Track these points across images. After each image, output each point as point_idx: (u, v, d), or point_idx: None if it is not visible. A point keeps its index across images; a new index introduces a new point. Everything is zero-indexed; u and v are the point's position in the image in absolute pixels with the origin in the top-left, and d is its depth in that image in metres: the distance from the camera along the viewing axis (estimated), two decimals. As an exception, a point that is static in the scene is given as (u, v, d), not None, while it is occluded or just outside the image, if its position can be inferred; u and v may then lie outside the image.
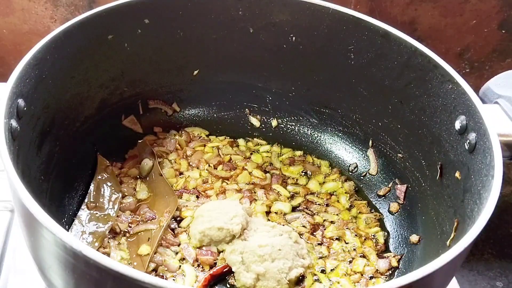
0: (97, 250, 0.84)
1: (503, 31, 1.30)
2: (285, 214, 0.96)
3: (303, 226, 0.94)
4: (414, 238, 0.91)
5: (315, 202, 0.99)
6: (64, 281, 0.61)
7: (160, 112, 1.08)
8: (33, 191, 0.61)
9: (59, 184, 0.88)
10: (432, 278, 0.57)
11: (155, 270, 0.85)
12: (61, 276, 0.61)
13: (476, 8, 1.25)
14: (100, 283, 0.56)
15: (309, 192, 1.01)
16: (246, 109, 1.12)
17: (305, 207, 0.98)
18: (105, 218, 0.90)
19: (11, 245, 0.88)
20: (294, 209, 0.97)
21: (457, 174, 0.80)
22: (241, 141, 1.10)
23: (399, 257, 0.90)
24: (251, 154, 1.07)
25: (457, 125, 0.81)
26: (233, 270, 0.85)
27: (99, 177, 0.95)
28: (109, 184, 0.95)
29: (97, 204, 0.91)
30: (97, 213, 0.90)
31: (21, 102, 0.73)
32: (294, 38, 1.01)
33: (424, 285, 0.57)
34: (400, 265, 0.90)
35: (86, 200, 0.92)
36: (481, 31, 1.29)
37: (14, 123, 0.70)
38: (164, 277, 0.84)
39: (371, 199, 1.00)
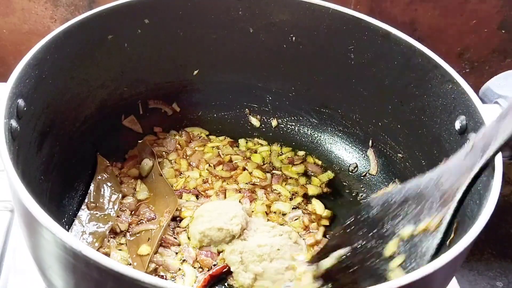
0: (97, 250, 0.84)
1: (503, 31, 1.30)
2: (284, 214, 0.96)
3: (304, 225, 0.94)
4: (414, 238, 0.91)
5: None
6: (64, 282, 0.61)
7: (160, 112, 1.08)
8: (33, 191, 0.61)
9: (59, 184, 0.88)
10: (432, 278, 0.57)
11: (155, 270, 0.85)
12: (61, 276, 0.61)
13: (476, 8, 1.25)
14: (100, 283, 0.56)
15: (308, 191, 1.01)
16: (246, 109, 1.12)
17: (305, 207, 0.98)
18: (105, 218, 0.90)
19: (11, 245, 0.88)
20: (294, 209, 0.97)
21: (457, 174, 0.80)
22: (241, 141, 1.09)
23: None
24: (251, 154, 1.07)
25: (457, 125, 0.81)
26: (231, 270, 0.85)
27: (99, 177, 0.95)
28: (109, 184, 0.95)
29: (97, 204, 0.91)
30: (97, 213, 0.90)
31: (21, 102, 0.73)
32: (294, 38, 1.01)
33: (424, 285, 0.57)
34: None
35: (86, 200, 0.92)
36: (481, 31, 1.29)
37: (14, 123, 0.70)
38: (164, 277, 0.84)
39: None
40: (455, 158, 0.67)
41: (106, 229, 0.88)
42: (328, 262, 0.73)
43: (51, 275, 0.64)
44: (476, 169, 0.62)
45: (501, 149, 0.61)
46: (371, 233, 0.71)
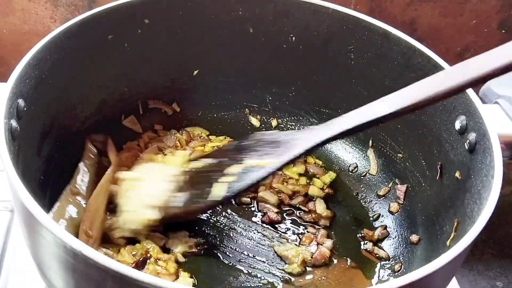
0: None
1: (503, 31, 1.30)
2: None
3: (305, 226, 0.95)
4: (414, 238, 0.91)
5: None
6: (64, 281, 0.61)
7: (160, 112, 1.08)
8: (33, 191, 0.61)
9: (59, 184, 0.87)
10: (432, 278, 0.57)
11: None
12: (61, 276, 0.61)
13: (476, 8, 1.25)
14: (100, 283, 0.56)
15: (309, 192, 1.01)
16: (246, 109, 1.12)
17: (305, 205, 0.98)
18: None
19: (11, 245, 0.88)
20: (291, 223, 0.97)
21: (457, 174, 0.80)
22: (241, 141, 1.10)
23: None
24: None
25: (457, 125, 0.81)
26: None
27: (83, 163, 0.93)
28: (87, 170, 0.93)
29: (80, 192, 0.89)
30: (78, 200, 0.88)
31: (21, 102, 0.73)
32: (294, 38, 1.01)
33: (424, 285, 0.57)
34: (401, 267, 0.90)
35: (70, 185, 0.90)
36: (481, 31, 1.29)
37: (14, 123, 0.70)
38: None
39: (371, 199, 1.00)
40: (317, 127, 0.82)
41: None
42: (196, 164, 0.90)
43: (51, 275, 0.64)
44: (316, 141, 0.78)
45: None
46: (233, 155, 0.85)
